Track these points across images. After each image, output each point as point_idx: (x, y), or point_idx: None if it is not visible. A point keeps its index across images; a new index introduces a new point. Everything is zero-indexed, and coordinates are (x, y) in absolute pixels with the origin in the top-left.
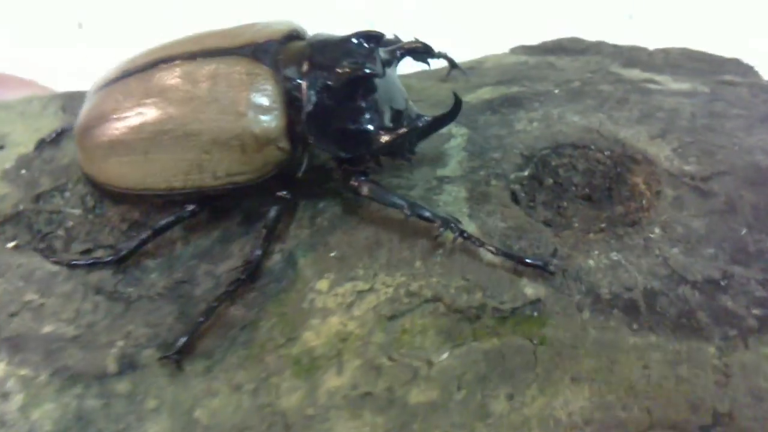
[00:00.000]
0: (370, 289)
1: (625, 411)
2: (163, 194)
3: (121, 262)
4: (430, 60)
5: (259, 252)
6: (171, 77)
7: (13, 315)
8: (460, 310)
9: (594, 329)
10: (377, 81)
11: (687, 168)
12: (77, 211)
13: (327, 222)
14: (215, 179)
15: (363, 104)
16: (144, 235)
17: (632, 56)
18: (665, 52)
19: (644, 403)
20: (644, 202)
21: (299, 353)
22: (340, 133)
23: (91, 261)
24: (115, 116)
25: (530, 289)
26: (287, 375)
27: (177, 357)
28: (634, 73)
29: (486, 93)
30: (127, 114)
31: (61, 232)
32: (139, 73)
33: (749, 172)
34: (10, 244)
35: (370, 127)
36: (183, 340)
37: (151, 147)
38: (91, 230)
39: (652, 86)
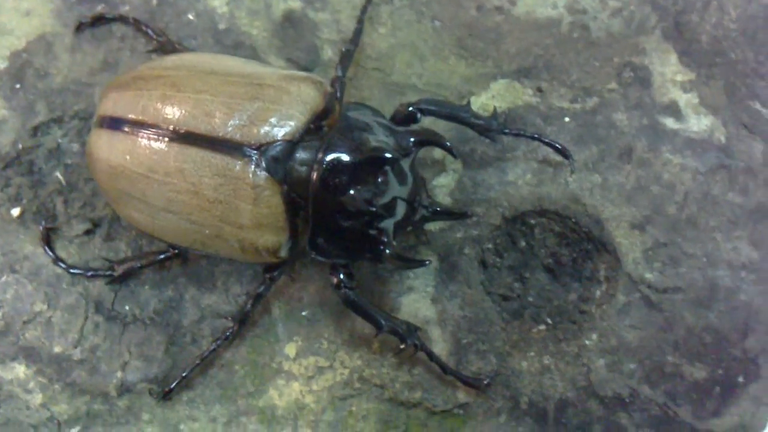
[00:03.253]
0: (330, 367)
1: None
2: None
3: (114, 282)
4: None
5: (249, 308)
6: (180, 159)
7: (26, 323)
8: (400, 402)
9: None
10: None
11: (647, 276)
12: (75, 146)
13: (304, 271)
14: (217, 253)
15: (369, 229)
16: (138, 264)
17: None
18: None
19: None
20: (598, 293)
21: (264, 406)
22: (342, 250)
23: (90, 273)
24: (123, 173)
25: (462, 393)
26: (254, 419)
27: (165, 395)
28: (665, 73)
29: (497, 96)
30: (135, 179)
31: (59, 175)
32: (152, 135)
33: (702, 293)
34: (15, 211)
35: (375, 245)
36: (172, 385)
37: (158, 216)
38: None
39: (668, 123)
